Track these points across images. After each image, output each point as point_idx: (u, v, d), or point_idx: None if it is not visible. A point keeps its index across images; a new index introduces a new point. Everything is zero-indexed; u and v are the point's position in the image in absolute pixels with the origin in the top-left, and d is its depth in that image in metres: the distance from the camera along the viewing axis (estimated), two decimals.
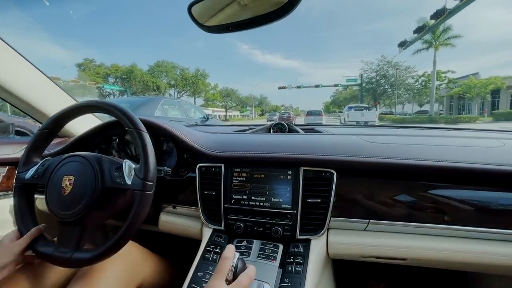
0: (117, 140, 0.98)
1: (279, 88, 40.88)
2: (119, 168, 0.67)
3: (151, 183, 0.64)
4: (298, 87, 39.04)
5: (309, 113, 20.44)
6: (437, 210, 0.68)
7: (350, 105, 21.56)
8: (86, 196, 0.63)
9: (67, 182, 0.66)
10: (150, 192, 0.64)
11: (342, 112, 25.19)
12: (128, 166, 0.66)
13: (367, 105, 24.13)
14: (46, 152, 0.91)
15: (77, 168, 0.67)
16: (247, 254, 0.72)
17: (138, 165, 0.66)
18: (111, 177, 0.66)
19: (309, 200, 0.74)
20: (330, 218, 0.73)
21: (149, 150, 0.66)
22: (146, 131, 0.68)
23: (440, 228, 0.68)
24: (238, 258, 0.54)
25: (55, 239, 0.68)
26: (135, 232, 0.62)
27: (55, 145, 1.04)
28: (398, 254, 0.72)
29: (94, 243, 0.74)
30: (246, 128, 1.40)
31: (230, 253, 0.53)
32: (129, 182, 0.64)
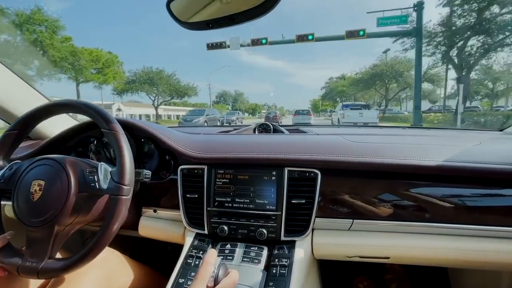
0: (95, 142, 0.94)
1: (209, 47, 15.65)
2: (94, 171, 0.63)
3: (128, 187, 0.61)
4: (258, 41, 14.94)
5: (297, 113, 18.85)
6: (419, 208, 0.69)
7: (345, 103, 18.14)
8: (57, 202, 0.60)
9: (37, 187, 0.62)
10: (127, 197, 0.61)
11: (334, 112, 20.30)
12: (104, 169, 0.63)
13: (365, 103, 20.47)
14: (15, 156, 0.86)
15: (48, 172, 0.63)
16: (230, 258, 0.71)
17: (114, 168, 0.63)
18: (85, 181, 0.63)
19: (294, 201, 0.73)
20: (314, 219, 0.73)
21: (125, 152, 0.63)
22: (123, 132, 0.65)
23: (422, 226, 0.69)
24: (220, 263, 0.52)
25: (23, 248, 0.63)
26: (111, 239, 0.59)
27: (27, 147, 0.97)
28: (382, 253, 0.73)
29: (69, 252, 0.70)
30: (231, 129, 1.38)
31: (212, 257, 0.51)
32: (104, 186, 0.61)
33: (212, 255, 0.52)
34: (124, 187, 0.60)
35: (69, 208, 0.60)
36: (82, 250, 0.59)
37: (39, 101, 1.08)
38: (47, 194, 0.60)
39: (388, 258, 0.73)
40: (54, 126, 1.11)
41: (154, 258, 1.17)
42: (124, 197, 0.60)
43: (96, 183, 0.62)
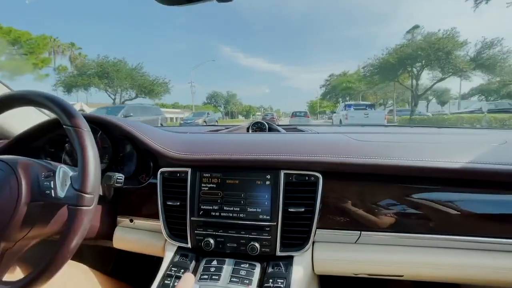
0: (71, 143, 0.83)
1: None
2: (51, 176, 0.53)
3: (91, 196, 0.51)
4: None
5: (294, 115, 18.35)
6: (438, 218, 0.59)
7: (348, 103, 16.12)
8: (3, 213, 0.50)
9: None
10: (89, 208, 0.51)
11: (335, 113, 17.78)
12: (62, 173, 0.53)
13: (371, 103, 18.13)
14: None
15: None
16: (216, 277, 0.60)
17: (76, 173, 0.52)
18: (40, 188, 0.53)
19: (291, 210, 0.63)
20: (315, 230, 0.63)
21: (89, 153, 0.52)
22: (88, 128, 0.54)
23: (443, 239, 0.59)
24: None
25: None
26: (69, 257, 0.50)
27: None
28: (394, 270, 0.62)
29: (31, 268, 0.59)
30: (222, 128, 1.27)
31: (187, 284, 0.41)
32: (61, 194, 0.52)
33: (187, 281, 0.41)
34: (85, 195, 0.50)
35: (18, 221, 0.50)
36: (34, 271, 0.49)
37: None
38: None
39: (401, 276, 0.63)
40: (22, 123, 0.99)
41: (139, 272, 1.06)
42: (84, 208, 0.50)
43: (52, 191, 0.52)
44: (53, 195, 0.52)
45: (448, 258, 0.60)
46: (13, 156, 0.57)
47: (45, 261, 0.49)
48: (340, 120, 13.59)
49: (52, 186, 0.52)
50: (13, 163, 0.53)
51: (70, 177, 0.53)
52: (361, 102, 17.12)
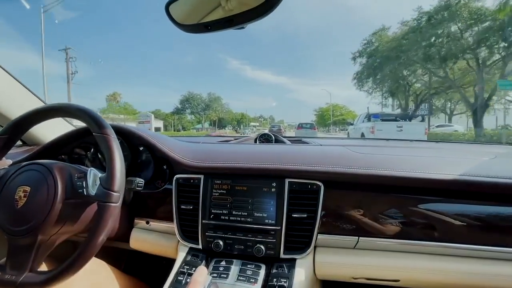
0: (92, 149, 0.91)
1: None
2: (83, 177, 0.60)
3: (118, 194, 0.57)
4: None
5: (300, 126, 17.47)
6: (431, 226, 0.64)
7: (374, 113, 11.79)
8: (42, 209, 0.57)
9: (21, 193, 0.59)
10: (116, 204, 0.57)
11: (352, 125, 13.29)
12: (93, 174, 0.60)
13: (405, 112, 13.48)
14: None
15: (35, 178, 0.60)
16: (225, 276, 0.65)
17: (104, 174, 0.60)
18: (73, 187, 0.60)
19: (295, 215, 0.68)
20: (317, 235, 0.68)
21: (116, 157, 0.59)
22: (115, 136, 0.62)
23: (435, 246, 0.63)
24: (211, 282, 0.47)
25: (3, 260, 0.59)
26: (96, 251, 0.56)
27: (22, 153, 0.95)
28: (391, 275, 0.66)
29: (55, 263, 0.66)
30: (232, 138, 1.35)
31: (201, 276, 0.47)
32: (92, 192, 0.58)
33: (201, 274, 0.47)
34: (113, 193, 0.57)
35: (54, 216, 0.57)
36: (64, 263, 0.55)
37: (35, 106, 1.07)
38: (31, 201, 0.58)
39: (398, 281, 0.67)
40: (51, 132, 1.09)
41: (148, 272, 1.11)
42: (112, 204, 0.56)
43: (84, 189, 0.59)
44: (85, 193, 0.58)
45: (444, 265, 0.64)
46: (49, 160, 0.64)
47: (74, 254, 0.55)
48: (362, 134, 10.53)
49: (84, 185, 0.58)
50: (50, 166, 0.60)
51: (99, 178, 0.59)
52: (392, 112, 12.81)
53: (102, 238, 0.56)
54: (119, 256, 1.15)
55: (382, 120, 10.51)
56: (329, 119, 38.98)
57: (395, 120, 10.59)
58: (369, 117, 11.25)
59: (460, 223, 0.63)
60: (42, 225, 0.56)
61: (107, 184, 0.57)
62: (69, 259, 0.55)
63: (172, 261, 0.75)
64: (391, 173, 0.65)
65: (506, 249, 0.60)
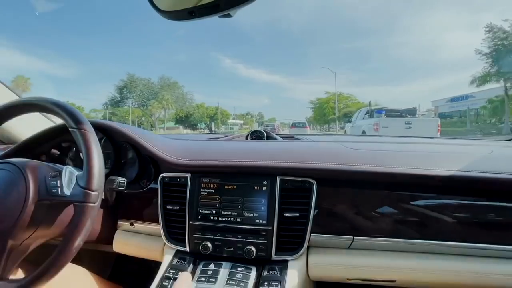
0: (74, 148, 0.86)
1: None
2: (58, 175, 0.56)
3: (96, 193, 0.53)
4: None
5: (294, 125, 18.69)
6: (427, 224, 0.62)
7: (377, 108, 10.76)
8: (12, 211, 0.52)
9: None
10: (94, 204, 0.53)
11: (350, 122, 12.39)
12: (68, 173, 0.56)
13: (412, 107, 11.48)
14: None
15: (4, 178, 0.56)
16: (213, 280, 0.61)
17: (81, 172, 0.55)
18: (47, 187, 0.55)
19: (287, 214, 0.65)
20: (310, 235, 0.65)
21: (93, 153, 0.55)
22: (93, 131, 0.58)
23: (432, 244, 0.61)
24: None
25: None
26: (73, 255, 0.52)
27: None
28: (387, 275, 0.64)
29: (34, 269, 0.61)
30: (222, 136, 1.31)
31: (185, 283, 0.43)
32: (67, 192, 0.54)
33: (184, 280, 0.43)
34: (91, 192, 0.53)
35: (25, 219, 0.53)
36: (37, 269, 0.51)
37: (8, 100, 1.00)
38: (0, 203, 0.53)
39: (394, 281, 0.64)
40: (30, 129, 1.02)
41: (136, 278, 1.07)
42: (90, 204, 0.52)
43: (59, 189, 0.55)
44: (59, 193, 0.54)
45: (441, 264, 0.62)
46: (21, 159, 0.59)
47: (48, 260, 0.51)
48: (364, 132, 9.22)
49: (58, 185, 0.55)
50: (21, 165, 0.56)
51: (76, 176, 0.55)
52: (397, 108, 11.02)
53: (78, 241, 0.52)
54: (106, 262, 1.10)
55: (387, 115, 9.16)
56: (331, 113, 28.41)
57: (402, 116, 9.18)
58: (371, 112, 9.96)
59: (457, 220, 0.61)
60: (12, 229, 0.52)
61: (84, 182, 0.53)
62: (42, 265, 0.51)
63: (158, 264, 0.71)
64: (387, 169, 0.63)
65: (503, 247, 0.59)
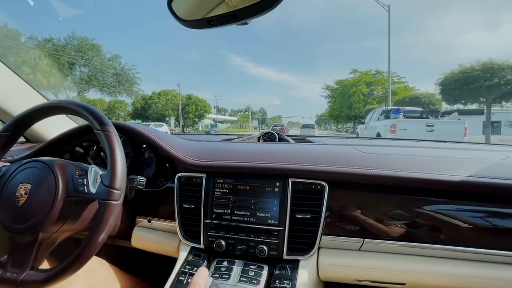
0: (95, 147, 0.91)
1: None
2: (84, 174, 0.60)
3: (119, 192, 0.57)
4: None
5: (304, 126, 21.38)
6: (438, 229, 0.62)
7: (395, 108, 9.33)
8: (43, 207, 0.56)
9: (23, 191, 0.58)
10: (117, 202, 0.56)
11: (363, 124, 11.22)
12: (94, 172, 0.60)
13: (436, 109, 10.42)
14: (9, 159, 0.83)
15: (36, 175, 0.60)
16: (227, 276, 0.64)
17: (105, 172, 0.59)
18: (74, 185, 0.59)
19: (298, 216, 0.67)
20: (321, 236, 0.66)
21: (117, 154, 0.59)
22: (116, 133, 0.61)
23: (443, 249, 0.61)
24: (212, 284, 0.46)
25: (5, 257, 0.59)
26: (97, 249, 0.55)
27: (25, 150, 0.95)
28: (396, 278, 0.65)
29: (58, 261, 0.66)
30: (235, 137, 1.34)
31: (202, 277, 0.46)
32: (93, 190, 0.58)
33: (202, 275, 0.46)
34: (114, 191, 0.56)
35: (55, 214, 0.57)
36: (65, 261, 0.55)
37: (38, 102, 1.07)
38: (33, 198, 0.58)
39: (403, 284, 0.65)
40: (55, 129, 1.09)
41: (151, 271, 1.11)
42: (113, 202, 0.56)
43: (85, 187, 0.58)
44: (86, 191, 0.57)
45: (451, 269, 0.62)
46: (50, 158, 0.64)
47: (75, 253, 0.55)
48: (378, 134, 8.35)
49: (85, 183, 0.58)
50: (50, 163, 0.60)
51: (100, 175, 0.59)
52: (416, 108, 9.64)
53: (103, 236, 0.55)
54: (122, 255, 1.15)
55: (406, 117, 8.04)
56: (360, 101, 19.64)
57: (422, 117, 7.94)
58: (387, 113, 8.77)
59: (469, 226, 0.61)
60: (43, 222, 0.56)
61: (108, 181, 0.57)
62: (70, 257, 0.55)
63: (174, 260, 0.75)
64: (398, 173, 0.63)
65: None
